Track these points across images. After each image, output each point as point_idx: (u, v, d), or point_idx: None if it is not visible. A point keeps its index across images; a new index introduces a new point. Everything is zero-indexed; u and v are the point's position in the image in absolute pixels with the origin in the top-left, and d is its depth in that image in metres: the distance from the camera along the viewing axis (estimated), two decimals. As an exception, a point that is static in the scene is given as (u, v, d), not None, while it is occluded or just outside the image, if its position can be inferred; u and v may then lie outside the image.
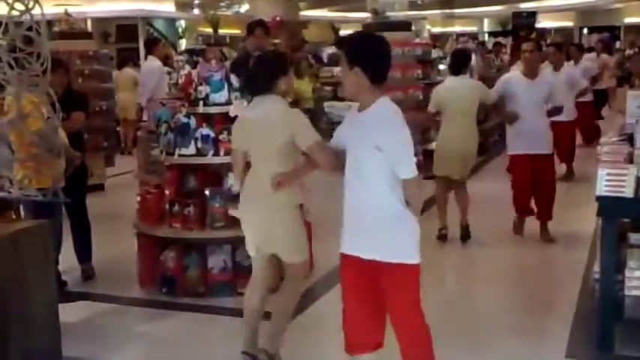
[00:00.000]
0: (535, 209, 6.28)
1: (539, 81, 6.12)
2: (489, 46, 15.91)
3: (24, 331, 3.85)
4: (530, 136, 6.00)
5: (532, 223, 6.25)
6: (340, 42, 3.32)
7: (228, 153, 5.03)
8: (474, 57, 10.91)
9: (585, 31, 24.98)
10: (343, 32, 23.14)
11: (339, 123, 3.53)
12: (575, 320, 4.53)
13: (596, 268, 4.21)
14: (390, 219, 3.09)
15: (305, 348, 4.33)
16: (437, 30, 24.19)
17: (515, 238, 6.30)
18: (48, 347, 4.04)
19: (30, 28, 3.92)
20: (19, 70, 3.97)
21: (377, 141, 2.98)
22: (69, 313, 4.51)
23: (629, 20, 23.08)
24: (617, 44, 21.24)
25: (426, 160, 7.58)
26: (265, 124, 3.80)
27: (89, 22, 17.67)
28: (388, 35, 7.64)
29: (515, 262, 5.77)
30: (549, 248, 6.02)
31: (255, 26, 6.55)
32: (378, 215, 3.10)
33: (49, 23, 9.52)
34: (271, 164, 3.80)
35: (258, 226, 3.91)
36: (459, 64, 6.36)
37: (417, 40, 9.57)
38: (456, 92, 6.16)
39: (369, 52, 3.07)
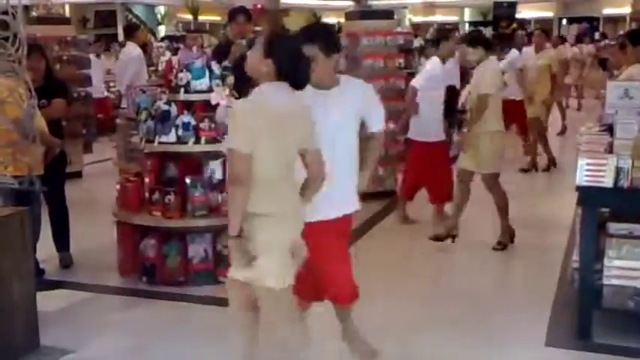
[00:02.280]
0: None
1: None
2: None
3: (1, 320, 3.82)
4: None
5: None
6: (312, 35, 3.46)
7: (209, 141, 5.00)
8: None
9: (564, 21, 25.13)
10: (325, 20, 23.09)
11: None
12: (554, 309, 4.57)
13: (575, 256, 4.24)
14: (354, 175, 3.58)
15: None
16: (418, 19, 24.18)
17: (495, 226, 6.32)
18: (25, 336, 4.01)
19: (6, 12, 3.86)
20: (-5, 55, 3.90)
21: (356, 106, 3.54)
22: (47, 301, 4.47)
23: (608, 11, 23.24)
24: (597, 35, 21.38)
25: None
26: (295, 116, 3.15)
27: (67, 8, 17.44)
28: (371, 24, 7.75)
29: (495, 252, 5.79)
30: (528, 237, 6.05)
31: (236, 13, 6.50)
32: (350, 176, 3.55)
33: (27, 8, 9.41)
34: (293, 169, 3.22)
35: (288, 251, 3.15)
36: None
37: (399, 29, 9.53)
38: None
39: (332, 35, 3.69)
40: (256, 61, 3.14)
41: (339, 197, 3.48)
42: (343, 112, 3.50)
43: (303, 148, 3.16)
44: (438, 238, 5.89)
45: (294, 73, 3.10)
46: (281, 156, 3.08)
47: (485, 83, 5.62)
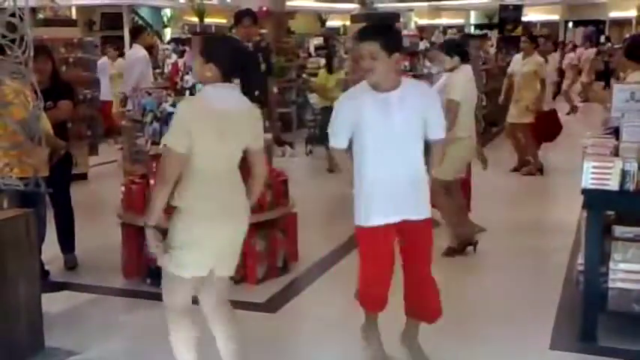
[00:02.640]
0: None
1: None
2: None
3: (6, 321, 3.83)
4: None
5: (522, 213, 6.26)
6: (375, 32, 3.43)
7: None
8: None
9: (570, 24, 25.10)
10: (330, 23, 23.13)
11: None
12: (558, 312, 4.56)
13: (580, 259, 4.23)
14: (419, 183, 3.55)
15: (287, 340, 4.32)
16: (423, 22, 24.18)
17: (501, 228, 6.32)
18: (30, 337, 4.01)
19: (13, 14, 3.87)
20: (2, 57, 3.91)
21: (421, 110, 3.47)
22: (51, 303, 4.48)
23: (614, 14, 23.20)
24: (602, 38, 21.37)
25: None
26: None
27: (74, 10, 17.50)
28: (375, 26, 7.76)
29: (499, 254, 5.79)
30: (532, 239, 6.04)
31: (242, 16, 6.53)
32: (412, 183, 3.50)
33: (34, 10, 9.46)
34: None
35: (223, 247, 3.28)
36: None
37: (405, 32, 9.54)
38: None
39: (398, 35, 3.66)
40: (198, 67, 3.18)
41: (400, 202, 3.49)
42: (405, 117, 3.43)
43: (247, 149, 3.22)
44: (454, 251, 5.77)
45: (240, 73, 3.18)
46: (221, 156, 3.15)
47: (454, 90, 5.58)
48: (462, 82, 5.65)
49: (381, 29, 3.52)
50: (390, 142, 3.43)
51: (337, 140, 3.62)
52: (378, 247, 3.58)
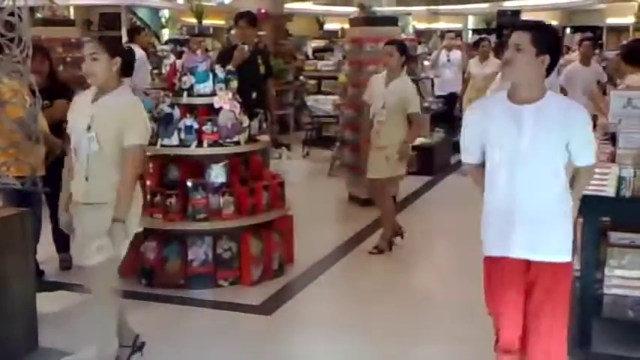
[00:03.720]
0: None
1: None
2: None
3: (1, 321, 3.81)
4: None
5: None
6: (530, 24, 3.05)
7: (211, 145, 5.02)
8: (459, 54, 10.97)
9: (568, 30, 25.15)
10: (328, 26, 23.13)
11: (321, 117, 3.62)
12: (554, 318, 4.55)
13: (576, 265, 4.23)
14: (556, 218, 3.04)
15: (282, 342, 4.32)
16: (421, 26, 24.20)
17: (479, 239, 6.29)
18: (24, 336, 4.01)
19: (12, 14, 3.86)
20: (0, 56, 3.91)
21: (565, 133, 2.96)
22: (46, 302, 4.46)
23: (611, 21, 23.25)
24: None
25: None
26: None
27: (72, 10, 17.46)
28: (375, 30, 7.76)
29: (478, 264, 5.77)
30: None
31: (239, 18, 6.55)
32: (543, 217, 3.01)
33: (32, 9, 9.42)
34: None
35: None
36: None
37: (404, 36, 9.55)
38: None
39: (556, 40, 3.10)
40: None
41: (521, 237, 3.01)
42: (537, 135, 2.95)
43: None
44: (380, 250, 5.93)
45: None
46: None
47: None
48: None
49: (539, 24, 3.10)
50: (517, 165, 2.98)
51: (467, 156, 3.21)
52: (496, 281, 3.14)
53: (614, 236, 4.08)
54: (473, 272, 5.54)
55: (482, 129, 3.07)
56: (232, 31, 6.78)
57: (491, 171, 3.08)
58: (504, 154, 2.99)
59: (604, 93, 8.58)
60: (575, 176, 3.13)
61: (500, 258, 3.07)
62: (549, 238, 3.02)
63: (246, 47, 6.29)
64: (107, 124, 3.51)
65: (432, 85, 10.40)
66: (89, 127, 3.49)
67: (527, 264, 3.04)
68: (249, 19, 6.63)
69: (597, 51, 12.28)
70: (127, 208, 3.50)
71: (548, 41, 2.96)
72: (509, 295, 3.09)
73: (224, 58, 5.95)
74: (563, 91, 8.04)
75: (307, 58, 14.18)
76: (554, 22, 25.88)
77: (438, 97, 10.53)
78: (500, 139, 3.00)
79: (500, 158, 3.02)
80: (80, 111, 3.62)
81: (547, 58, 2.93)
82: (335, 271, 5.64)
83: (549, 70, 2.98)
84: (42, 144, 4.41)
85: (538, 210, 2.99)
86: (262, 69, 6.57)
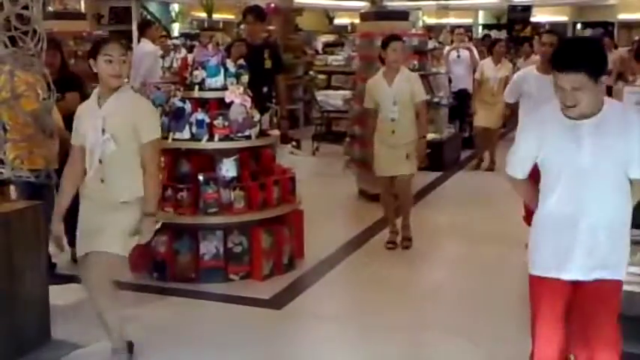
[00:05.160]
0: None
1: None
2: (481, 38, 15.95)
3: (14, 312, 3.84)
4: None
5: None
6: (579, 59, 2.75)
7: (222, 139, 5.02)
8: (467, 52, 10.91)
9: (579, 26, 25.01)
10: (338, 21, 23.10)
11: (330, 112, 3.57)
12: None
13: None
14: (618, 239, 2.91)
15: (292, 337, 4.32)
16: (431, 21, 24.13)
17: (490, 235, 6.26)
18: (37, 328, 4.03)
19: (26, 7, 3.88)
20: (14, 49, 3.92)
21: (625, 142, 2.80)
22: (58, 295, 4.48)
23: (623, 16, 23.11)
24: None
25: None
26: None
27: (82, 3, 17.51)
28: (386, 24, 7.74)
29: (495, 255, 5.77)
30: (521, 246, 6.00)
31: (246, 13, 6.56)
32: (604, 236, 2.86)
33: (44, 3, 9.45)
34: None
35: None
36: None
37: (414, 31, 9.53)
38: None
39: (603, 54, 2.84)
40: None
41: (586, 259, 2.87)
42: (596, 149, 2.80)
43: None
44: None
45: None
46: None
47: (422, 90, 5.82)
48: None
49: (587, 54, 2.77)
50: (575, 181, 2.84)
51: (517, 171, 3.07)
52: (544, 300, 3.01)
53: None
54: (484, 268, 5.57)
55: (539, 145, 2.93)
56: (241, 26, 6.75)
57: (549, 188, 2.94)
58: (564, 172, 2.86)
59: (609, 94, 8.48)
60: (631, 189, 2.92)
61: (553, 279, 2.94)
62: (617, 257, 2.91)
63: (243, 45, 6.28)
64: (121, 123, 3.55)
65: (450, 81, 10.35)
66: (103, 130, 3.52)
67: (578, 282, 2.92)
68: (257, 13, 6.63)
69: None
70: (156, 201, 3.66)
71: (600, 64, 2.78)
72: (555, 313, 2.98)
73: (229, 53, 5.95)
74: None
75: (317, 52, 14.15)
76: (564, 18, 25.79)
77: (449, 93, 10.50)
78: (559, 156, 2.87)
79: (559, 176, 2.88)
80: (89, 117, 3.61)
81: (604, 78, 2.83)
82: (345, 266, 5.64)
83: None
84: (56, 137, 4.43)
85: (608, 228, 2.86)
86: (268, 63, 6.54)
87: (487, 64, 9.47)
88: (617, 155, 2.81)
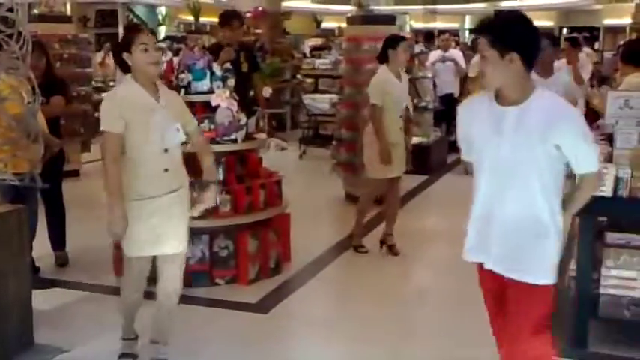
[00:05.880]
0: None
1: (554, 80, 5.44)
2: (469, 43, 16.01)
3: (-4, 317, 3.80)
4: None
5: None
6: (483, 29, 2.69)
7: (208, 142, 5.00)
8: (459, 54, 10.97)
9: (565, 31, 25.19)
10: (325, 25, 23.12)
11: (318, 115, 3.60)
12: (550, 317, 4.55)
13: (572, 265, 4.24)
14: (533, 236, 2.78)
15: (278, 341, 4.31)
16: (418, 25, 24.21)
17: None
18: (20, 333, 4.00)
19: (11, 9, 3.85)
20: (-2, 52, 3.90)
21: (550, 136, 2.65)
22: (42, 300, 4.46)
23: (608, 22, 23.29)
24: (596, 45, 21.43)
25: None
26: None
27: (69, 6, 17.43)
28: (372, 28, 7.75)
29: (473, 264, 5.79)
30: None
31: (231, 18, 6.56)
32: (521, 233, 2.79)
33: (29, 5, 9.39)
34: None
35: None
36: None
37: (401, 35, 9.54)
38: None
39: (525, 32, 2.67)
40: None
41: (502, 253, 2.83)
42: (517, 140, 2.68)
43: None
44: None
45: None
46: None
47: (371, 92, 5.72)
48: (374, 84, 5.76)
49: (493, 22, 2.70)
50: (498, 173, 2.75)
51: (464, 154, 3.02)
52: (481, 286, 3.07)
53: (611, 236, 4.10)
54: (469, 271, 5.57)
55: (467, 130, 2.89)
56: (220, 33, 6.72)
57: (476, 176, 2.89)
58: (486, 160, 2.78)
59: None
60: (577, 185, 2.87)
61: (479, 264, 2.97)
62: (527, 257, 2.78)
63: (232, 49, 6.27)
64: (176, 113, 3.66)
65: (435, 85, 10.39)
66: (171, 122, 3.58)
67: (504, 278, 2.87)
68: (239, 18, 6.65)
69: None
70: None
71: (510, 37, 2.63)
72: (488, 303, 3.08)
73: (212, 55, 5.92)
74: None
75: (304, 56, 14.17)
76: (550, 23, 25.95)
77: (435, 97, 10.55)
78: (482, 144, 2.78)
79: (481, 164, 2.82)
80: (146, 108, 3.53)
81: (514, 56, 2.62)
82: (331, 270, 5.64)
83: (530, 66, 2.68)
84: (40, 141, 4.40)
85: (518, 224, 2.75)
86: (245, 67, 6.54)
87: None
88: (539, 149, 2.65)
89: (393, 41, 5.81)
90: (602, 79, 15.66)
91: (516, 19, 2.70)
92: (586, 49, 12.97)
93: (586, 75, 8.34)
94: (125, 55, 3.54)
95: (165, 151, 3.56)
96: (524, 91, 2.69)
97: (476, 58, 9.69)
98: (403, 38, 5.94)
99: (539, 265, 2.79)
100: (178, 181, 3.67)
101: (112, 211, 3.49)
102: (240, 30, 6.68)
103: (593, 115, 8.97)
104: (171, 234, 3.64)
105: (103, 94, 4.93)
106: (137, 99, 3.53)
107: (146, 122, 3.50)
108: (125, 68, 3.62)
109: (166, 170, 3.58)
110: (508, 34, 2.63)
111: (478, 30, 2.69)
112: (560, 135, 2.64)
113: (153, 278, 3.86)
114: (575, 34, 11.96)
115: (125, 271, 3.88)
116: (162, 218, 3.59)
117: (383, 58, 5.82)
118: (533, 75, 5.54)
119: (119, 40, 3.84)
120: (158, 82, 3.69)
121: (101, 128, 3.53)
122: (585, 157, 2.73)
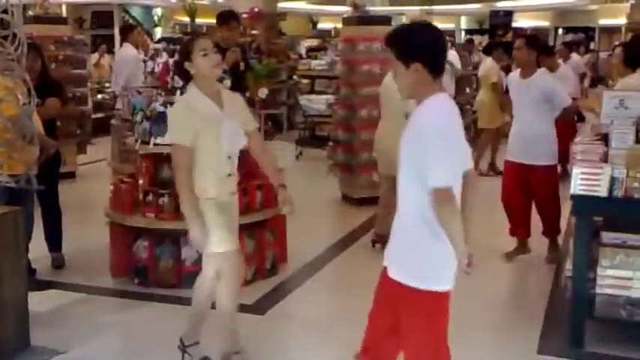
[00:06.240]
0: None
1: (532, 81, 5.50)
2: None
3: (-8, 319, 3.80)
4: (519, 141, 5.58)
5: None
6: (388, 40, 2.73)
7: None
8: (455, 55, 10.97)
9: (560, 31, 25.23)
10: (321, 25, 23.14)
11: (314, 116, 3.64)
12: (546, 317, 4.57)
13: (569, 265, 4.25)
14: (411, 237, 2.76)
15: (275, 342, 4.31)
16: (414, 26, 24.24)
17: (487, 235, 6.30)
18: (16, 335, 3.99)
19: (5, 11, 3.85)
20: (-7, 53, 3.89)
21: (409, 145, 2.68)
22: (38, 301, 4.45)
23: (604, 22, 23.34)
24: (592, 45, 21.49)
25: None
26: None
27: (64, 7, 17.40)
28: (368, 29, 7.75)
29: (487, 260, 5.79)
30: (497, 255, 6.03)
31: (230, 18, 6.53)
32: (403, 227, 2.79)
33: (24, 7, 9.38)
34: None
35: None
36: None
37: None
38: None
39: (426, 41, 2.68)
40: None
41: (389, 250, 2.88)
42: (404, 147, 2.72)
43: None
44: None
45: None
46: None
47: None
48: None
49: (394, 33, 2.76)
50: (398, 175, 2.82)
51: None
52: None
53: (607, 236, 4.10)
54: (474, 272, 5.58)
55: None
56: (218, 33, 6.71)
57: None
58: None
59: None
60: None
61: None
62: (402, 257, 2.77)
63: (239, 51, 6.27)
64: (238, 117, 3.68)
65: None
66: (236, 129, 3.62)
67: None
68: (237, 18, 6.65)
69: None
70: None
71: (412, 48, 2.65)
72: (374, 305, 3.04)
73: None
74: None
75: (300, 57, 14.17)
76: (545, 23, 26.01)
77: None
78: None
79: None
80: (211, 117, 3.57)
81: (419, 66, 2.63)
82: (328, 271, 5.64)
83: (436, 72, 2.67)
84: (36, 143, 4.40)
85: (400, 223, 2.77)
86: (242, 66, 6.55)
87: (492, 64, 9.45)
88: (412, 153, 2.64)
89: None
90: (598, 79, 15.71)
91: (417, 30, 2.74)
92: (574, 55, 13.04)
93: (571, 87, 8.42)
94: (187, 65, 3.59)
95: (229, 157, 3.65)
96: (420, 96, 2.70)
97: (489, 62, 9.63)
98: None
99: (418, 268, 2.78)
100: (235, 183, 3.78)
101: (191, 224, 3.53)
102: (238, 30, 6.67)
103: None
104: (234, 232, 3.77)
105: (99, 96, 4.91)
106: (205, 110, 3.57)
107: (214, 132, 3.55)
108: (186, 78, 3.69)
109: (229, 175, 3.69)
110: (410, 45, 2.67)
111: (385, 44, 2.74)
112: (417, 143, 2.62)
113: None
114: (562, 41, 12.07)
115: (222, 276, 3.76)
116: (230, 217, 3.72)
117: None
118: (515, 76, 5.67)
119: (179, 52, 3.92)
120: (219, 86, 3.76)
121: (171, 140, 3.62)
122: (429, 170, 2.57)
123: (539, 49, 5.72)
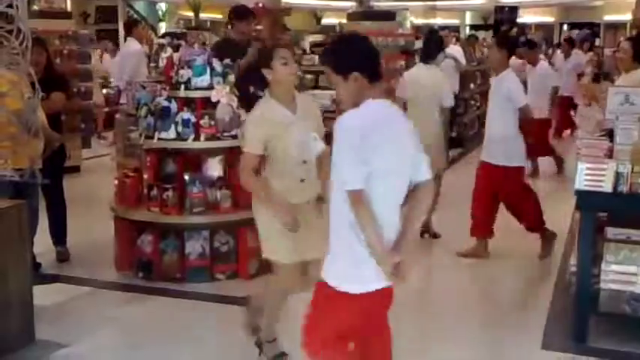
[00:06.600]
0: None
1: (499, 80, 5.54)
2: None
3: (-3, 313, 3.81)
4: (489, 142, 5.62)
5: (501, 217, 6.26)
6: (322, 58, 2.86)
7: (208, 138, 5.00)
8: (459, 50, 10.95)
9: (565, 26, 25.18)
10: (326, 21, 23.09)
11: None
12: (551, 313, 4.57)
13: (573, 261, 4.25)
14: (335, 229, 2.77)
15: (280, 336, 4.31)
16: (419, 22, 24.20)
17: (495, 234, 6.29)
18: (21, 329, 4.00)
19: (10, 5, 3.85)
20: (-2, 48, 3.90)
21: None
22: (43, 295, 4.46)
23: (609, 17, 23.28)
24: (597, 41, 21.40)
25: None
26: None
27: (68, 2, 17.42)
28: (373, 24, 7.77)
29: (492, 255, 5.79)
30: (525, 241, 6.05)
31: (247, 13, 6.54)
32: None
33: (29, 1, 9.39)
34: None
35: None
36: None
37: (401, 31, 9.54)
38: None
39: (358, 52, 2.75)
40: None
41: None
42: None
43: None
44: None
45: None
46: None
47: None
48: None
49: (327, 49, 2.88)
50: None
51: None
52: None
53: (611, 231, 4.10)
54: (467, 271, 5.59)
55: None
56: (230, 27, 6.70)
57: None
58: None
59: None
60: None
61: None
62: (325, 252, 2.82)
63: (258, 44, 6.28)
64: (313, 123, 3.69)
65: None
66: (308, 133, 3.58)
67: None
68: (252, 13, 6.66)
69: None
70: None
71: (346, 61, 2.70)
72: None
73: (220, 51, 5.92)
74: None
75: (305, 52, 14.13)
76: (550, 19, 25.95)
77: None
78: None
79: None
80: (288, 127, 3.58)
81: (357, 75, 2.67)
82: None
83: (373, 78, 2.71)
84: (40, 137, 4.41)
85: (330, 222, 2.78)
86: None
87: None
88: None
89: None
90: (603, 75, 15.66)
91: (348, 43, 2.82)
92: (576, 52, 13.03)
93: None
94: (265, 71, 3.62)
95: (304, 162, 3.61)
96: (361, 102, 2.71)
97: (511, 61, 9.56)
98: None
99: (330, 264, 2.82)
100: (314, 190, 3.67)
101: (278, 213, 3.51)
102: (252, 25, 6.69)
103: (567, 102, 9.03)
104: (310, 242, 3.52)
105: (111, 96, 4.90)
106: (276, 117, 3.59)
107: (285, 137, 3.56)
108: (263, 84, 3.70)
109: (302, 180, 3.64)
110: (344, 59, 2.72)
111: (321, 63, 2.82)
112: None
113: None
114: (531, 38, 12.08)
115: (272, 276, 3.80)
116: (301, 226, 3.54)
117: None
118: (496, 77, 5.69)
119: (257, 59, 4.00)
120: (295, 92, 3.76)
121: (244, 149, 3.63)
122: (338, 172, 2.62)
123: (510, 48, 5.71)
